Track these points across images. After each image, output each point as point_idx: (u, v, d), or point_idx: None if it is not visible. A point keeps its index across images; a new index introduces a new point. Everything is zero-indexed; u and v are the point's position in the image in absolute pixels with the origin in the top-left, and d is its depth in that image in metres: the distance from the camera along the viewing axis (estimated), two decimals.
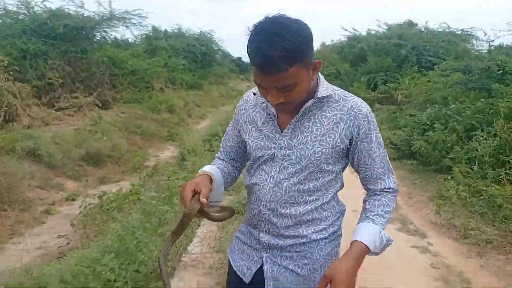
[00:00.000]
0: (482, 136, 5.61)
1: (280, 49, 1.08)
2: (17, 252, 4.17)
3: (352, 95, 1.35)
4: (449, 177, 5.29)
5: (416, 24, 20.73)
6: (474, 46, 17.60)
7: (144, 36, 21.47)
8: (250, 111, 1.42)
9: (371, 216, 1.33)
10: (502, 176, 4.74)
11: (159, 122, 12.92)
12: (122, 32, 29.00)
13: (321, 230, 1.37)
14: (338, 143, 1.29)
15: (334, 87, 1.35)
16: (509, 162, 4.92)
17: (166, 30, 23.45)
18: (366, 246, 1.24)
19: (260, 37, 1.11)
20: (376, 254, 1.30)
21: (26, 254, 4.25)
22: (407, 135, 7.26)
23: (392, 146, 7.51)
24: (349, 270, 1.19)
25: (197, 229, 3.89)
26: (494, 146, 5.19)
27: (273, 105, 1.24)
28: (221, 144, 1.59)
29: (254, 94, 1.41)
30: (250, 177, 1.43)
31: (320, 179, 1.33)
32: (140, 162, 8.78)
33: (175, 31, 24.04)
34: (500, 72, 7.81)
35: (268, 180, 1.34)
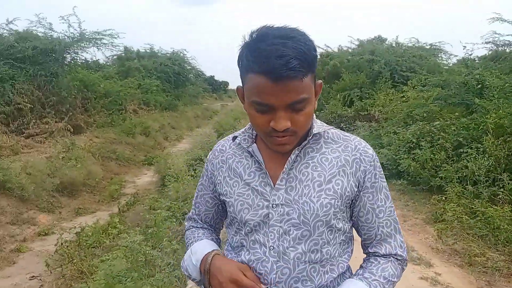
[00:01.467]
0: (472, 154, 5.55)
1: (296, 51, 0.88)
2: None
3: (351, 134, 1.12)
4: (443, 198, 5.18)
5: (386, 39, 21.25)
6: (443, 60, 18.15)
7: (115, 57, 21.06)
8: (230, 162, 1.11)
9: (369, 279, 1.03)
10: (500, 196, 4.65)
11: (135, 146, 12.55)
12: (93, 53, 28.40)
13: None
14: (348, 191, 1.02)
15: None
16: (502, 180, 4.85)
17: (138, 50, 23.14)
18: None
19: (268, 42, 0.89)
20: None
21: None
22: (393, 154, 7.16)
23: None
24: None
25: None
26: (487, 165, 5.12)
27: (276, 137, 0.95)
28: (192, 210, 1.28)
29: (234, 138, 1.13)
30: (237, 254, 1.10)
31: (332, 242, 1.04)
32: (117, 190, 8.40)
33: (148, 51, 23.76)
34: (479, 86, 7.89)
35: (267, 254, 1.01)
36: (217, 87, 39.75)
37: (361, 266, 1.11)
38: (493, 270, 3.64)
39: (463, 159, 5.69)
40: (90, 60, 17.70)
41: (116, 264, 3.35)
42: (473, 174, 5.25)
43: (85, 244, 5.11)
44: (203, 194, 1.22)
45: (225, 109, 29.52)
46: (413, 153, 6.69)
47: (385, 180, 1.10)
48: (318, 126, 1.06)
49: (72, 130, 11.29)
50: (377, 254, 1.09)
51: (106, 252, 4.74)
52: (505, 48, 11.38)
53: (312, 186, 1.01)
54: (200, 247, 1.12)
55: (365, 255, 1.14)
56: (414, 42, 18.22)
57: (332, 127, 1.11)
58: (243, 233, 1.06)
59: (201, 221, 1.25)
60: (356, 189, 1.04)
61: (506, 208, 4.39)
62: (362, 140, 1.10)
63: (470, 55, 9.76)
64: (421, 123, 7.50)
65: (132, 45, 23.42)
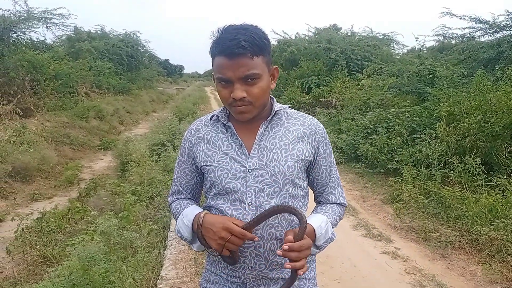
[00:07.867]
0: (425, 140, 5.92)
1: (247, 37, 1.14)
2: None
3: (303, 113, 1.40)
4: (399, 180, 5.50)
5: (341, 28, 21.70)
6: (395, 50, 18.85)
7: (64, 37, 20.06)
8: (208, 137, 1.33)
9: (321, 212, 1.34)
10: (451, 178, 5.01)
11: (89, 130, 12.15)
12: (42, 33, 26.77)
13: None
14: (306, 156, 1.29)
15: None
16: (452, 163, 5.23)
17: (89, 31, 22.18)
18: (313, 228, 1.23)
19: (227, 32, 1.17)
20: (318, 248, 1.27)
21: None
22: (352, 139, 7.46)
23: (338, 150, 7.70)
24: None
25: (164, 250, 3.59)
26: (440, 149, 5.48)
27: (237, 106, 1.19)
28: (174, 185, 1.45)
29: (212, 117, 1.35)
30: (218, 213, 1.29)
31: (296, 196, 1.29)
32: (74, 175, 8.15)
33: (99, 32, 22.84)
34: (430, 76, 8.35)
35: (247, 208, 1.22)
36: (172, 71, 38.93)
37: (314, 208, 1.41)
38: (446, 244, 3.96)
39: (417, 144, 6.06)
40: (36, 40, 16.77)
41: (89, 248, 3.32)
42: (427, 158, 5.61)
43: (47, 229, 4.96)
44: (182, 168, 1.41)
45: (181, 93, 29.04)
46: (371, 139, 7.01)
47: (331, 146, 1.39)
48: (278, 105, 1.33)
49: (21, 113, 10.72)
50: (325, 202, 1.40)
51: (68, 237, 4.64)
52: (452, 40, 12.04)
53: (280, 153, 1.25)
54: (190, 210, 1.31)
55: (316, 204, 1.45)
56: (368, 31, 18.78)
57: (288, 106, 1.37)
58: (224, 193, 1.26)
59: (184, 192, 1.42)
60: (312, 155, 1.31)
61: (456, 189, 4.75)
62: (313, 117, 1.38)
63: (422, 46, 10.22)
64: (377, 110, 7.84)
65: (83, 26, 22.39)
